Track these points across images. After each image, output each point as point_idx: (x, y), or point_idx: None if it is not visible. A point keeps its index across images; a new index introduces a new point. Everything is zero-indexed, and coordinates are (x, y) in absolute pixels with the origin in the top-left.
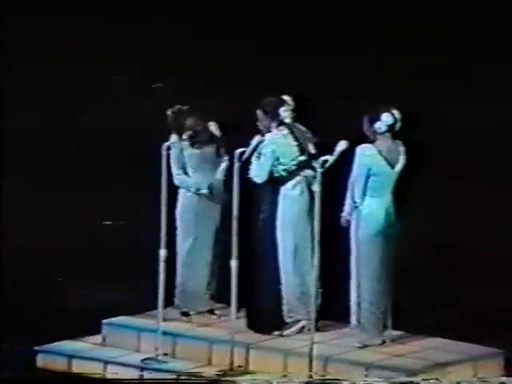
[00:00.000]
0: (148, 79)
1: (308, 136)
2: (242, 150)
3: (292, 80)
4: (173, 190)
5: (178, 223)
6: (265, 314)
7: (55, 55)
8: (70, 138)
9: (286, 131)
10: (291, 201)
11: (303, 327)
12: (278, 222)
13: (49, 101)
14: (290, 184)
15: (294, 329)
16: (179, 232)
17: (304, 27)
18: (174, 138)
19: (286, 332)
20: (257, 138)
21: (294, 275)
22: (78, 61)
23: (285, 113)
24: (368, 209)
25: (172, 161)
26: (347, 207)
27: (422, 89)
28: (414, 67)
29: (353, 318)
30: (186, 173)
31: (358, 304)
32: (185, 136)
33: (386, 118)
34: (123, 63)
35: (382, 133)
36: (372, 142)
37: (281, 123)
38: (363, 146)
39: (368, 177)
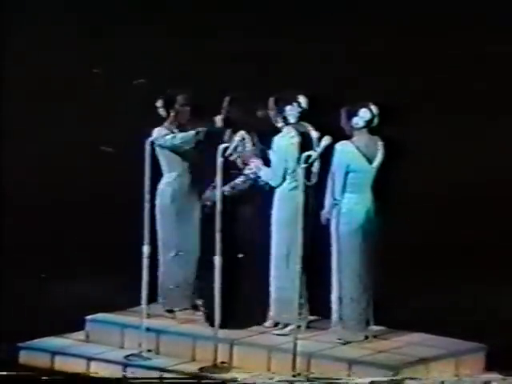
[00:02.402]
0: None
1: (313, 135)
2: (225, 145)
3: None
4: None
5: (158, 218)
6: (244, 309)
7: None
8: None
9: (293, 133)
10: (286, 199)
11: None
12: (273, 221)
13: None
14: (285, 183)
15: (289, 328)
16: (159, 227)
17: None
18: (156, 133)
19: (281, 331)
20: (240, 134)
21: (287, 274)
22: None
23: (290, 111)
24: (348, 205)
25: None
26: (327, 205)
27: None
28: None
29: (335, 315)
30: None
31: (340, 300)
32: (168, 129)
33: (363, 114)
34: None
35: (360, 128)
36: (349, 136)
37: (285, 120)
38: (341, 142)
39: (347, 173)
